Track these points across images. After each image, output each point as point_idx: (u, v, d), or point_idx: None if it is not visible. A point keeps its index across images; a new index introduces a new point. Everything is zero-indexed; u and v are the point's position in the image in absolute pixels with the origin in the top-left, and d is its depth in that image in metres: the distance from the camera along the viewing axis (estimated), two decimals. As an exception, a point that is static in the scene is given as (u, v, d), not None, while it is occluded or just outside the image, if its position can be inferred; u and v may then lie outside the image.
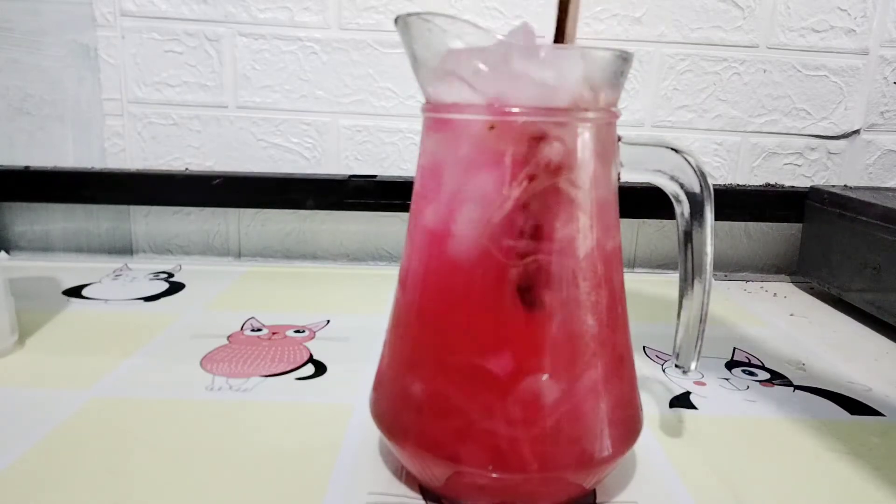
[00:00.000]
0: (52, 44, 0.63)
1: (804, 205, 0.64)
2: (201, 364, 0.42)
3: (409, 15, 0.25)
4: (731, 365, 0.45)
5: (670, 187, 0.29)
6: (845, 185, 0.67)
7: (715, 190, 0.28)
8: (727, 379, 0.43)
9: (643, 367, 0.44)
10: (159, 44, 0.63)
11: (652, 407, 0.38)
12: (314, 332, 0.48)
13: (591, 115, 0.26)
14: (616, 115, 0.28)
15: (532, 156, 0.25)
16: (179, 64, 0.63)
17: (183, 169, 0.65)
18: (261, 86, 0.64)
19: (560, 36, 0.26)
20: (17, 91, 0.64)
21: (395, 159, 0.66)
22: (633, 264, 0.70)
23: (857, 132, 0.67)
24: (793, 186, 0.68)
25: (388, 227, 0.67)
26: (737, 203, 0.66)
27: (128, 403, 0.37)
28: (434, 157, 0.28)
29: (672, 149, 0.28)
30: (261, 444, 0.33)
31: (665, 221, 0.68)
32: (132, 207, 0.67)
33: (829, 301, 0.60)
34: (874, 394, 0.42)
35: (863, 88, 0.66)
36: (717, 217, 0.29)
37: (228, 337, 0.47)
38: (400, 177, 0.65)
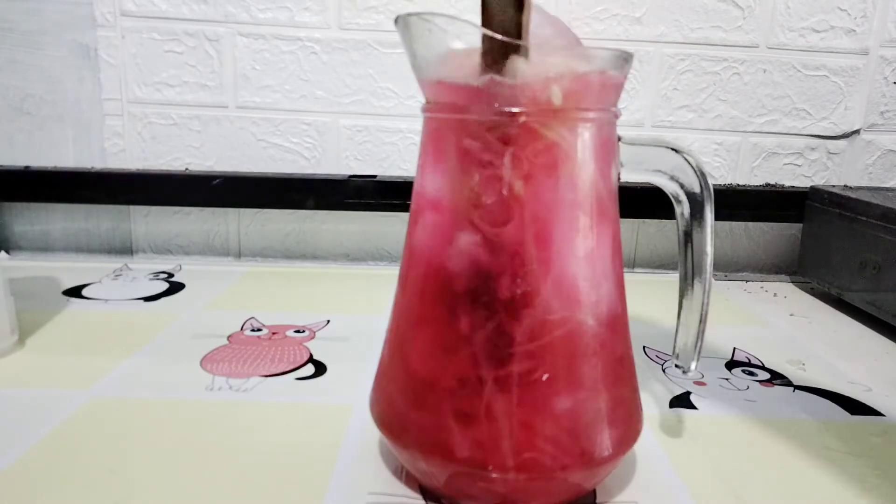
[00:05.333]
0: (52, 44, 0.63)
1: (804, 205, 0.64)
2: (201, 364, 0.42)
3: (409, 15, 0.25)
4: (731, 365, 0.45)
5: (670, 187, 0.29)
6: (845, 185, 0.67)
7: (715, 190, 0.28)
8: (727, 379, 0.43)
9: (643, 367, 0.44)
10: (159, 44, 0.63)
11: (652, 407, 0.38)
12: (314, 332, 0.48)
13: (591, 115, 0.26)
14: (616, 115, 0.28)
15: (532, 156, 0.25)
16: (179, 64, 0.63)
17: (183, 169, 0.65)
18: (261, 86, 0.64)
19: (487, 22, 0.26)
20: (17, 91, 0.63)
21: (395, 159, 0.66)
22: (633, 264, 0.70)
23: (857, 132, 0.67)
24: (793, 186, 0.68)
25: (388, 227, 0.67)
26: (737, 203, 0.66)
27: (128, 403, 0.37)
28: (434, 157, 0.28)
29: (672, 149, 0.28)
30: (261, 444, 0.33)
31: (665, 221, 0.68)
32: (132, 207, 0.67)
33: (829, 301, 0.60)
34: (874, 394, 0.42)
35: (863, 88, 0.66)
36: (717, 217, 0.29)
37: (228, 337, 0.47)
38: (400, 177, 0.65)
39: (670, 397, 0.40)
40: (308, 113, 0.65)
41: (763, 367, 0.45)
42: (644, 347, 0.47)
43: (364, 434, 0.34)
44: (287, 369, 0.42)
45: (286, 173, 0.65)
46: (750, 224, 0.69)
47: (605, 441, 0.27)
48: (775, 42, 0.65)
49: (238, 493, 0.29)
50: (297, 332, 0.48)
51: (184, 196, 0.65)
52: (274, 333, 0.47)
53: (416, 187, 0.29)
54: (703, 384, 0.42)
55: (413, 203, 0.29)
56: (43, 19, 0.62)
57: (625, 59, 0.26)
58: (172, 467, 0.31)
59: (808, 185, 0.67)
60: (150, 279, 0.60)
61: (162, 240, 0.68)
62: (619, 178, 0.29)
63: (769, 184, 0.68)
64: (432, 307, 0.28)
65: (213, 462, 0.31)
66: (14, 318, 0.43)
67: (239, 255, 0.68)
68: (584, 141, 0.26)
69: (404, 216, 0.29)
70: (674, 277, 0.31)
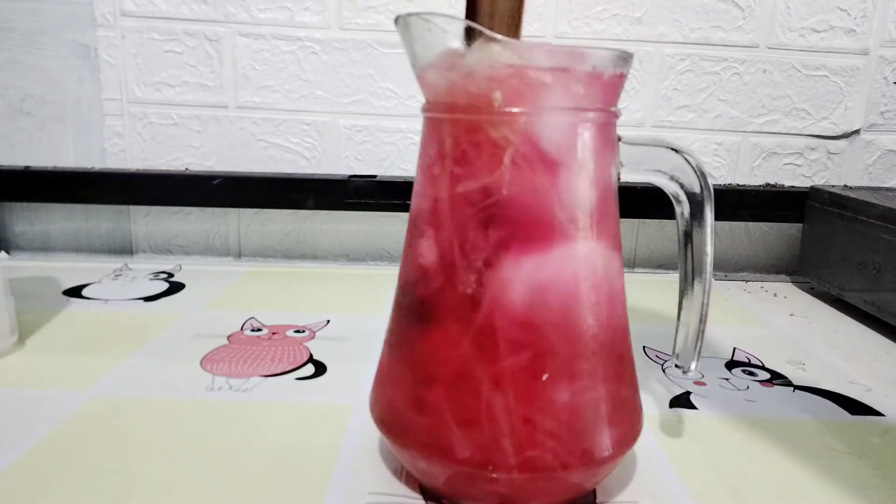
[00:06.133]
0: (52, 44, 0.63)
1: (804, 205, 0.64)
2: (201, 364, 0.42)
3: (409, 15, 0.25)
4: (731, 365, 0.45)
5: (670, 187, 0.29)
6: (845, 185, 0.67)
7: (715, 190, 0.28)
8: (727, 379, 0.43)
9: (643, 367, 0.44)
10: (159, 44, 0.63)
11: (652, 407, 0.38)
12: (314, 332, 0.48)
13: (591, 115, 0.26)
14: (616, 115, 0.28)
15: (531, 155, 0.25)
16: (179, 64, 0.63)
17: (183, 169, 0.65)
18: (261, 86, 0.64)
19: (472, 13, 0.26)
20: (17, 91, 0.64)
21: (395, 159, 0.66)
22: (633, 264, 0.70)
23: (857, 132, 0.67)
24: (793, 186, 0.68)
25: (388, 227, 0.67)
26: (737, 203, 0.66)
27: (128, 403, 0.37)
28: (433, 157, 0.28)
29: (672, 149, 0.28)
30: (261, 444, 0.33)
31: (665, 221, 0.68)
32: (132, 207, 0.67)
33: (829, 301, 0.60)
34: (874, 394, 0.42)
35: (863, 88, 0.66)
36: (717, 217, 0.29)
37: (228, 337, 0.47)
38: (400, 177, 0.65)
39: (670, 397, 0.40)
40: (308, 113, 0.65)
41: (763, 367, 0.45)
42: (644, 347, 0.47)
43: (364, 434, 0.34)
44: (287, 369, 0.42)
45: (286, 173, 0.65)
46: (750, 224, 0.69)
47: (605, 441, 0.27)
48: (775, 42, 0.65)
49: (238, 492, 0.29)
50: (297, 332, 0.48)
51: (184, 196, 0.65)
52: (274, 333, 0.47)
53: (415, 187, 0.29)
54: (703, 384, 0.42)
55: (412, 203, 0.29)
56: (43, 19, 0.62)
57: (624, 58, 0.26)
58: (172, 467, 0.31)
59: (808, 185, 0.67)
60: (150, 279, 0.60)
61: (162, 240, 0.68)
62: (619, 178, 0.29)
63: (769, 184, 0.68)
64: (430, 307, 0.28)
65: (213, 462, 0.31)
66: (14, 318, 0.43)
67: (239, 255, 0.68)
68: (583, 141, 0.26)
69: (404, 216, 0.30)
70: (674, 277, 0.31)
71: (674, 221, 0.30)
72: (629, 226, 0.69)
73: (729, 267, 0.70)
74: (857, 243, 0.55)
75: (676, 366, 0.31)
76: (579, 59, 0.25)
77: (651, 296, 0.60)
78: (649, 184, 0.29)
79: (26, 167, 0.64)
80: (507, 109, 0.25)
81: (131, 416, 0.35)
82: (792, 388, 0.42)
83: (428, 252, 0.28)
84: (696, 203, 0.29)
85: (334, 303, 0.55)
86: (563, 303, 0.26)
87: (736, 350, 0.48)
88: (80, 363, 0.41)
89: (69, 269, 0.61)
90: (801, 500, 0.30)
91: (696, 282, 0.30)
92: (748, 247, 0.70)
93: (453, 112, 0.26)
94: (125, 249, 0.68)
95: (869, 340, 0.51)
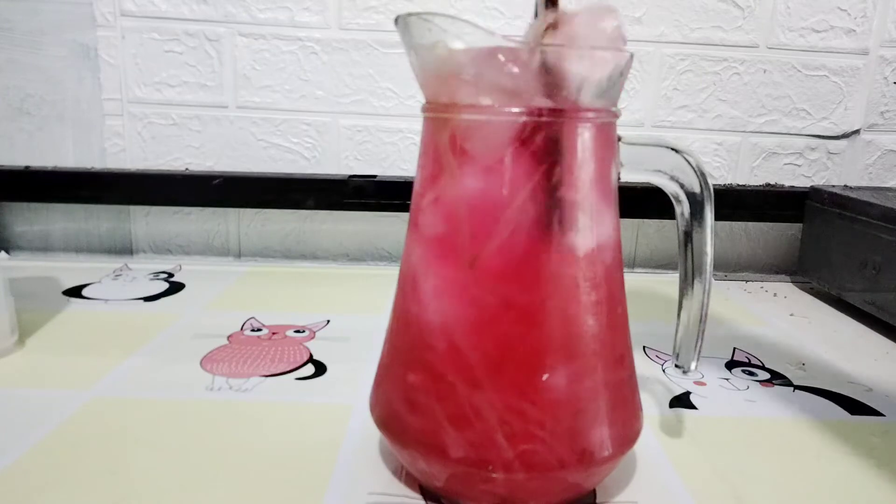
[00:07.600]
0: (52, 44, 0.63)
1: (804, 205, 0.64)
2: (201, 364, 0.42)
3: (409, 15, 0.25)
4: (731, 365, 0.45)
5: (670, 187, 0.29)
6: (845, 185, 0.67)
7: (715, 190, 0.28)
8: (727, 379, 0.43)
9: (643, 367, 0.44)
10: (159, 44, 0.63)
11: (652, 407, 0.38)
12: (314, 332, 0.48)
13: (591, 115, 0.26)
14: (616, 115, 0.28)
15: (531, 155, 0.25)
16: (179, 64, 0.63)
17: (183, 169, 0.65)
18: (261, 86, 0.64)
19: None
20: (17, 91, 0.63)
21: (395, 159, 0.66)
22: (633, 264, 0.70)
23: (857, 132, 0.67)
24: (793, 186, 0.68)
25: (388, 227, 0.67)
26: (737, 203, 0.66)
27: (128, 403, 0.37)
28: (434, 158, 0.28)
29: (672, 149, 0.28)
30: (261, 444, 0.33)
31: (665, 221, 0.68)
32: (132, 207, 0.67)
33: (829, 301, 0.60)
34: (874, 394, 0.42)
35: (863, 88, 0.66)
36: (717, 217, 0.29)
37: (228, 337, 0.47)
38: (400, 177, 0.65)
39: (670, 397, 0.40)
40: (308, 113, 0.65)
41: (763, 367, 0.45)
42: (644, 347, 0.47)
43: (364, 434, 0.34)
44: (287, 369, 0.42)
45: (286, 173, 0.65)
46: (750, 224, 0.69)
47: (605, 441, 0.27)
48: (775, 42, 0.65)
49: (238, 492, 0.29)
50: (297, 332, 0.48)
51: (184, 196, 0.65)
52: (274, 333, 0.47)
53: (415, 187, 0.29)
54: (703, 384, 0.42)
55: (413, 203, 0.29)
56: (43, 19, 0.62)
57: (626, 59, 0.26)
58: (172, 467, 0.31)
59: (808, 185, 0.67)
60: (150, 279, 0.60)
61: (162, 240, 0.68)
62: (619, 178, 0.29)
63: (769, 184, 0.68)
64: (427, 304, 0.28)
65: (213, 462, 0.31)
66: (14, 318, 0.43)
67: (239, 255, 0.68)
68: (583, 141, 0.26)
69: (404, 216, 0.30)
70: (674, 277, 0.31)
71: (674, 221, 0.30)
72: (629, 226, 0.69)
73: (729, 267, 0.70)
74: (857, 243, 0.55)
75: (676, 366, 0.31)
76: (583, 60, 0.25)
77: (651, 296, 0.60)
78: (649, 184, 0.29)
79: (26, 167, 0.64)
80: (507, 109, 0.25)
81: (131, 416, 0.35)
82: (792, 388, 0.42)
83: (426, 250, 0.28)
84: (696, 203, 0.29)
85: (334, 303, 0.55)
86: (562, 302, 0.26)
87: (736, 350, 0.48)
88: (80, 363, 0.41)
89: (69, 269, 0.61)
90: (801, 501, 0.30)
91: (696, 282, 0.30)
92: (748, 247, 0.70)
93: (453, 112, 0.26)
94: (125, 249, 0.68)
95: (869, 340, 0.51)
